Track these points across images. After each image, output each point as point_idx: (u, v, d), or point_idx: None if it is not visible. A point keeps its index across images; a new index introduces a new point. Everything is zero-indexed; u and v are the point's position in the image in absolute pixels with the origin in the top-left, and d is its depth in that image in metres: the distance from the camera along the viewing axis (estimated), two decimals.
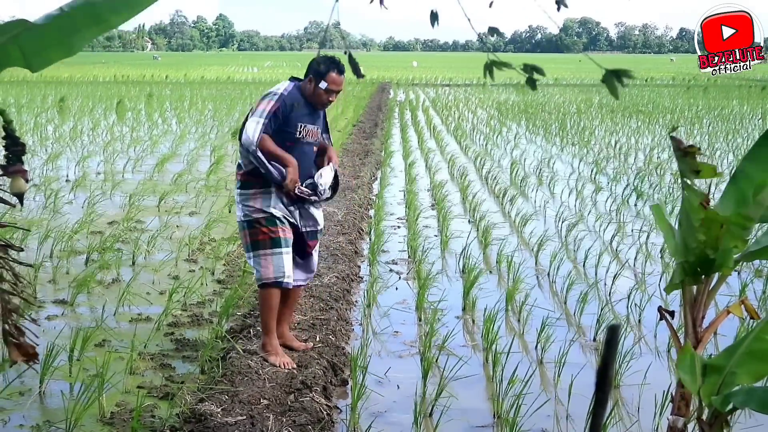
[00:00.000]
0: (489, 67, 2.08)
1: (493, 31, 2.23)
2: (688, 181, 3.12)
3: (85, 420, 4.14)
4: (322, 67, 4.71)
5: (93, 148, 14.86)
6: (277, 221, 4.75)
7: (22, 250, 2.30)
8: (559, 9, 2.29)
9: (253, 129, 4.62)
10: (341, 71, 4.74)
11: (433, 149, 16.04)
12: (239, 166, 4.83)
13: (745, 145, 16.41)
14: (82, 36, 1.86)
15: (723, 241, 3.21)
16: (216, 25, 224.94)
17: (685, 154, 3.06)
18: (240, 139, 4.68)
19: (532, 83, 2.14)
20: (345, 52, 2.21)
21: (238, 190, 4.82)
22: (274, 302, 4.87)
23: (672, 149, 3.18)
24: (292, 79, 4.92)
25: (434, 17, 2.34)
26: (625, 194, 11.08)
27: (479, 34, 2.25)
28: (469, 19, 2.18)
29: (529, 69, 2.10)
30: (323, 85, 4.71)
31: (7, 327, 2.26)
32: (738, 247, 3.30)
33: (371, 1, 2.24)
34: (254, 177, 4.73)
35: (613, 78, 1.96)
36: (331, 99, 4.80)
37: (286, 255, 4.79)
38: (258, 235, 4.75)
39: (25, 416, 4.32)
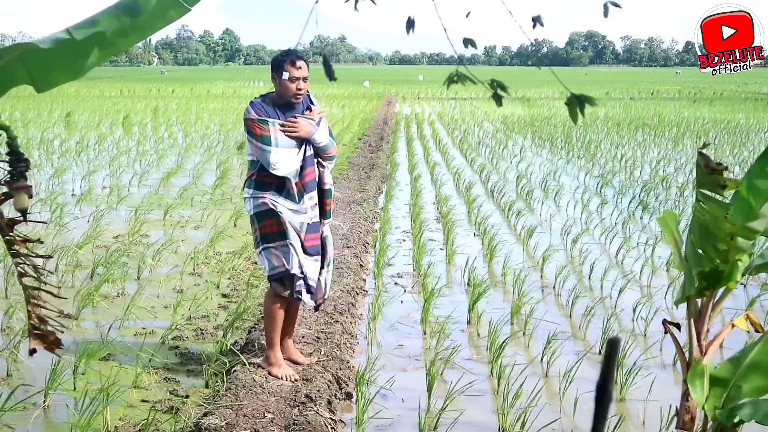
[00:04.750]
0: (452, 79, 2.08)
1: (467, 42, 2.23)
2: (711, 194, 3.14)
3: None
4: (279, 61, 4.76)
5: (99, 163, 14.90)
6: (281, 215, 4.72)
7: (41, 242, 2.32)
8: (534, 27, 2.29)
9: (284, 162, 4.68)
10: (297, 57, 4.76)
11: (439, 162, 16.05)
12: (253, 167, 4.79)
13: (751, 158, 16.38)
14: (89, 60, 1.88)
15: (732, 254, 3.21)
16: (222, 39, 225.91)
17: (712, 171, 3.07)
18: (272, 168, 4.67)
19: (498, 99, 2.13)
20: (319, 54, 2.21)
21: (252, 190, 4.77)
22: (279, 315, 4.87)
23: (696, 164, 3.19)
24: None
25: (410, 24, 2.34)
26: (631, 207, 11.07)
27: (459, 51, 2.25)
28: (445, 30, 2.19)
29: (495, 85, 2.10)
30: (285, 75, 4.69)
31: (31, 320, 2.28)
32: (742, 260, 3.30)
33: (346, 1, 2.25)
34: (269, 179, 4.73)
35: (576, 103, 1.95)
36: (299, 87, 4.74)
37: (295, 248, 4.75)
38: (266, 228, 4.74)
39: (30, 430, 4.32)
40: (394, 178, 13.63)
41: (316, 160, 4.90)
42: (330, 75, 2.14)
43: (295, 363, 5.06)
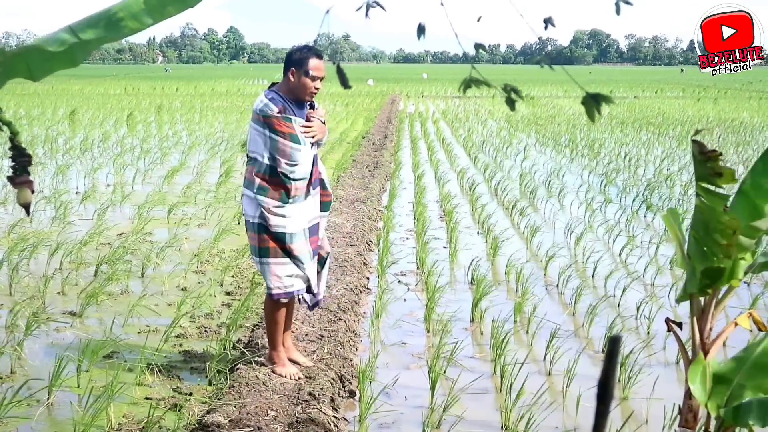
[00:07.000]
0: (467, 84, 2.07)
1: (479, 46, 2.22)
2: (709, 186, 3.12)
3: (92, 431, 4.15)
4: (301, 56, 4.58)
5: (103, 160, 14.91)
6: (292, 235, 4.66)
7: None
8: (546, 28, 2.28)
9: (305, 162, 4.62)
10: (320, 56, 4.61)
11: (443, 161, 16.04)
12: (259, 167, 4.60)
13: (755, 156, 16.34)
14: (84, 47, 1.88)
15: (734, 251, 3.20)
16: (226, 37, 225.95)
17: (708, 158, 3.05)
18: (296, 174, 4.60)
19: (511, 104, 2.13)
20: (333, 63, 2.18)
21: (257, 195, 4.58)
22: (281, 319, 4.86)
23: (692, 156, 3.17)
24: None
25: (421, 30, 2.34)
26: (634, 206, 11.05)
27: (469, 55, 2.25)
28: (456, 35, 2.18)
29: (509, 90, 2.09)
30: (310, 72, 4.56)
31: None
32: (745, 259, 3.29)
33: (357, 9, 2.24)
34: (274, 185, 4.58)
35: (592, 102, 1.94)
36: (317, 86, 4.61)
37: (302, 264, 4.73)
38: (271, 242, 4.63)
39: (33, 428, 4.33)
40: (398, 177, 13.62)
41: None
42: (345, 84, 2.13)
43: (295, 363, 5.05)
